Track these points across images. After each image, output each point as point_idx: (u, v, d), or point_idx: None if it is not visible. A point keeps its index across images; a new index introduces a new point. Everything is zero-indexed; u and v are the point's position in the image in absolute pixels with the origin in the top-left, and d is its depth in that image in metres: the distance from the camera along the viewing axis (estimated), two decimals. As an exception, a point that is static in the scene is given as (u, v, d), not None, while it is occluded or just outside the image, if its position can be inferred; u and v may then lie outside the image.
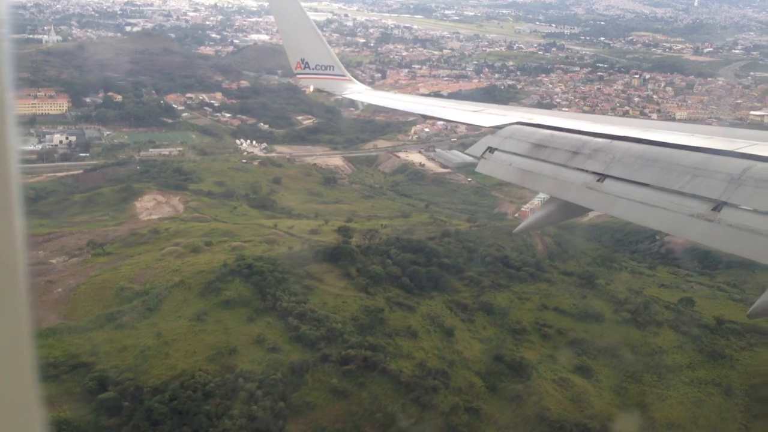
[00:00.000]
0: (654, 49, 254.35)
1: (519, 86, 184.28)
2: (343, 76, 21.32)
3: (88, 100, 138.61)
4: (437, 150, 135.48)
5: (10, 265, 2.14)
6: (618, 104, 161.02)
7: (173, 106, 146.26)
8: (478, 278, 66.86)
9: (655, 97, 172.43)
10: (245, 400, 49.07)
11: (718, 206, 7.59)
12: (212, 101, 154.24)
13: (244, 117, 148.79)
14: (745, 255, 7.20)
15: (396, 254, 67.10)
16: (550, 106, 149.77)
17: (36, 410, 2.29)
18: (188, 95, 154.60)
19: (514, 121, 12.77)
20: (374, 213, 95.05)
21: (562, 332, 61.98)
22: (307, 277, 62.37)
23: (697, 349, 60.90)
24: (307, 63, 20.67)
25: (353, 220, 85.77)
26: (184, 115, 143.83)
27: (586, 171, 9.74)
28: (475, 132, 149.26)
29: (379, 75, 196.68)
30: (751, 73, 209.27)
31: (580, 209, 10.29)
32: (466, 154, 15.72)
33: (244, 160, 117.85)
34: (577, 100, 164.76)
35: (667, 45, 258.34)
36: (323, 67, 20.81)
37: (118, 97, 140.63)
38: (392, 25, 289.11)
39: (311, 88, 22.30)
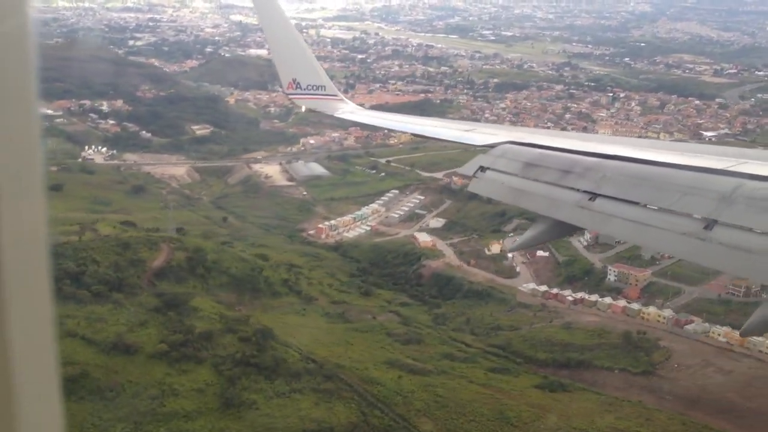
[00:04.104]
0: (675, 70, 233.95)
1: (462, 101, 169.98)
2: (335, 96, 21.21)
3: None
4: (298, 162, 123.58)
5: (36, 258, 2.08)
6: (547, 120, 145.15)
7: (48, 111, 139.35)
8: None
9: (602, 115, 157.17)
10: None
11: (709, 225, 7.49)
12: (102, 108, 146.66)
13: (131, 125, 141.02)
14: (737, 273, 8.02)
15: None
16: (478, 120, 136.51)
17: (56, 407, 2.27)
18: (82, 101, 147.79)
19: (506, 140, 12.35)
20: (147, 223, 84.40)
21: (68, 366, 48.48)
22: None
23: (218, 394, 46.41)
24: (298, 83, 20.22)
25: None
26: (57, 120, 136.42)
27: (578, 190, 9.63)
28: (359, 146, 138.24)
29: (344, 89, 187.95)
30: (758, 95, 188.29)
31: (572, 228, 10.16)
32: (460, 174, 15.16)
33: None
34: (508, 116, 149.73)
35: (690, 66, 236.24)
36: (314, 87, 20.45)
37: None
38: (415, 44, 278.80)
39: (303, 108, 22.21)
